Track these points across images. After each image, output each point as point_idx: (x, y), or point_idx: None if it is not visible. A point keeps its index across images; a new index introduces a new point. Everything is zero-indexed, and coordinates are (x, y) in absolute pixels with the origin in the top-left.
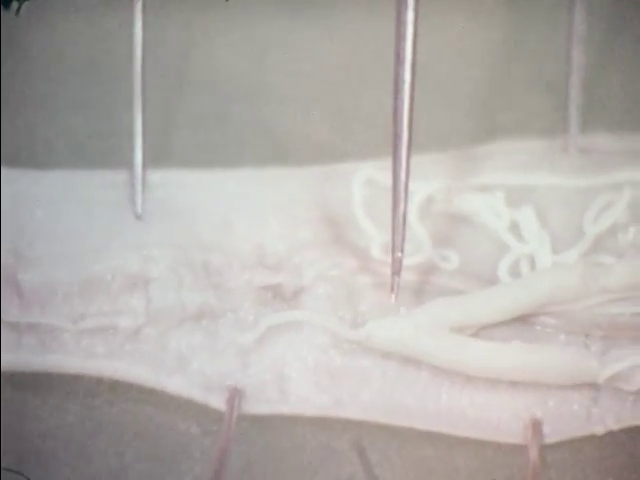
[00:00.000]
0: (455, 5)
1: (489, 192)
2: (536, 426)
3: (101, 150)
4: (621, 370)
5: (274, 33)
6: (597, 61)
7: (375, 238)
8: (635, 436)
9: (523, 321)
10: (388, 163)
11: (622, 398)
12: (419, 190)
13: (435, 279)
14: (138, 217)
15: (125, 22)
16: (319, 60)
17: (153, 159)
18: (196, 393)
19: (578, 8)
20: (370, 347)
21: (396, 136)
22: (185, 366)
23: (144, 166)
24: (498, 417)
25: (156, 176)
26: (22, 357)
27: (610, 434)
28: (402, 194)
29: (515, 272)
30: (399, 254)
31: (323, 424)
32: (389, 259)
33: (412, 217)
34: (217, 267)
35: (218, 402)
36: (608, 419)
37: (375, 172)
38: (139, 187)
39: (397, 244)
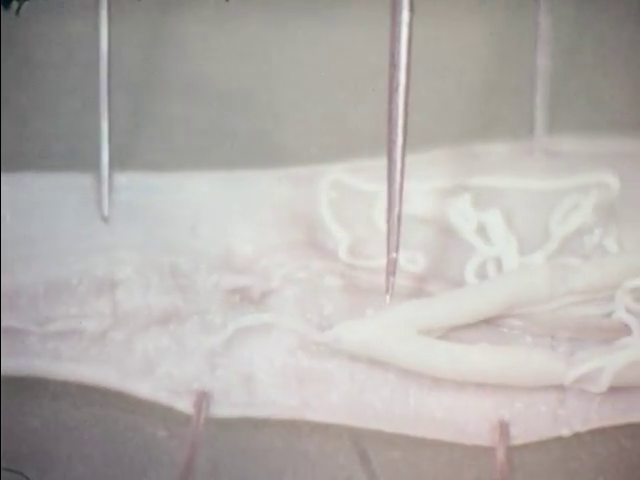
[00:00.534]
0: (421, 11)
1: (456, 194)
2: (503, 428)
3: (67, 152)
4: (587, 372)
5: (241, 37)
6: (562, 64)
7: (343, 240)
8: (601, 438)
9: (490, 323)
10: (355, 165)
11: (588, 400)
12: (384, 192)
13: (402, 281)
14: (104, 219)
15: (91, 25)
16: (286, 64)
17: (120, 162)
18: (163, 396)
19: (543, 12)
20: (338, 349)
21: (391, 139)
22: (152, 369)
23: (110, 168)
24: (465, 419)
25: (123, 178)
26: None
27: (577, 436)
28: (397, 196)
29: (482, 274)
30: (394, 255)
31: (291, 427)
32: (357, 261)
33: (379, 220)
34: (184, 270)
35: (185, 405)
36: (574, 421)
37: (342, 174)
38: (105, 189)
39: (392, 245)
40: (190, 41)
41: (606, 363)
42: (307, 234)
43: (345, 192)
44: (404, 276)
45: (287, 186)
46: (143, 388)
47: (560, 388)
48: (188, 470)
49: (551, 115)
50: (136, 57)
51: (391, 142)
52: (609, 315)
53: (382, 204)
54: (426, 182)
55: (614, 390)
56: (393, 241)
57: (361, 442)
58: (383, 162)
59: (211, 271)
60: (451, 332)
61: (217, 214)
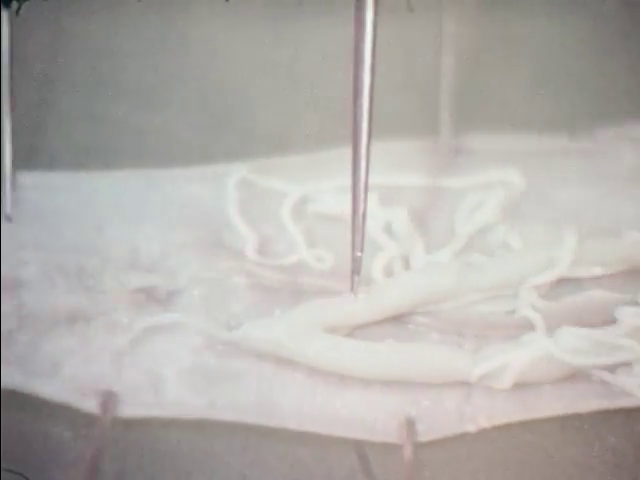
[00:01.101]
0: (329, 13)
1: None
2: (410, 425)
3: None
4: (492, 368)
5: (147, 35)
6: (467, 63)
7: (250, 239)
8: (506, 433)
9: (397, 320)
10: (263, 164)
11: (493, 396)
12: (292, 192)
13: (309, 279)
14: (8, 219)
15: None
16: (191, 62)
17: (24, 161)
18: (69, 397)
19: (447, 12)
20: (245, 348)
21: (355, 139)
22: (58, 370)
23: (13, 168)
24: (372, 416)
25: (27, 178)
26: None
27: (482, 432)
28: (362, 195)
29: (389, 272)
30: (359, 254)
31: (199, 427)
32: (264, 260)
33: (285, 218)
34: (90, 270)
35: (91, 406)
36: (480, 417)
37: (249, 173)
38: (8, 188)
39: (357, 244)
40: (95, 39)
41: (510, 360)
42: (214, 233)
43: (252, 191)
44: (311, 274)
45: (194, 185)
46: (49, 389)
47: (466, 385)
48: (94, 471)
49: (456, 114)
50: (39, 56)
51: (355, 142)
52: (513, 312)
53: (289, 203)
54: (333, 180)
55: (518, 386)
56: (358, 240)
57: (269, 441)
58: (290, 161)
59: (117, 271)
60: (358, 330)
61: (123, 214)
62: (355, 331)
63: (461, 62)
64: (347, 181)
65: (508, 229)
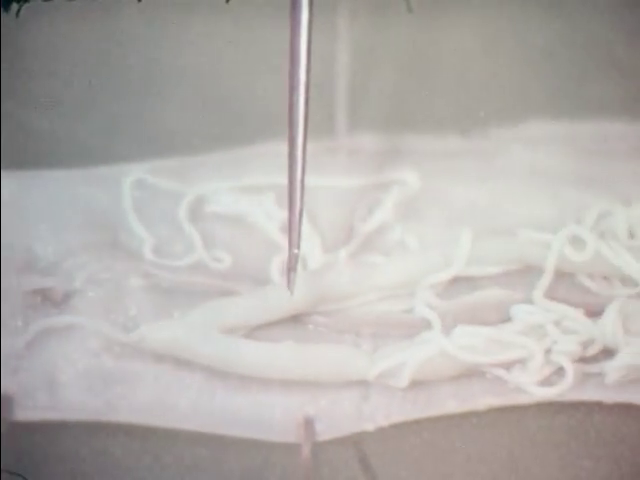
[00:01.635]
0: (235, 13)
1: (260, 193)
2: (308, 424)
3: None
4: (390, 367)
5: (40, 35)
6: (362, 63)
7: (146, 240)
8: (404, 432)
9: (296, 321)
10: (159, 164)
11: (391, 395)
12: (189, 192)
13: (207, 280)
14: None
15: None
16: (86, 63)
17: None
18: None
19: (341, 12)
20: (143, 350)
21: (291, 135)
22: None
23: None
24: (271, 416)
25: None
26: None
27: (380, 430)
28: (298, 192)
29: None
30: (296, 251)
31: (96, 429)
32: (161, 261)
33: (182, 219)
34: None
35: None
36: (378, 415)
37: (145, 174)
38: None
39: (294, 241)
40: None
41: (408, 358)
42: (111, 234)
43: (149, 191)
44: (209, 275)
45: (90, 186)
46: None
47: (364, 384)
48: None
49: (352, 114)
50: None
51: (292, 138)
52: (410, 311)
53: (186, 204)
54: (230, 181)
55: (415, 384)
56: (294, 237)
57: (168, 442)
58: (187, 162)
59: (11, 272)
60: (257, 330)
61: (18, 215)
62: (254, 332)
63: (356, 62)
64: (244, 181)
65: (404, 229)
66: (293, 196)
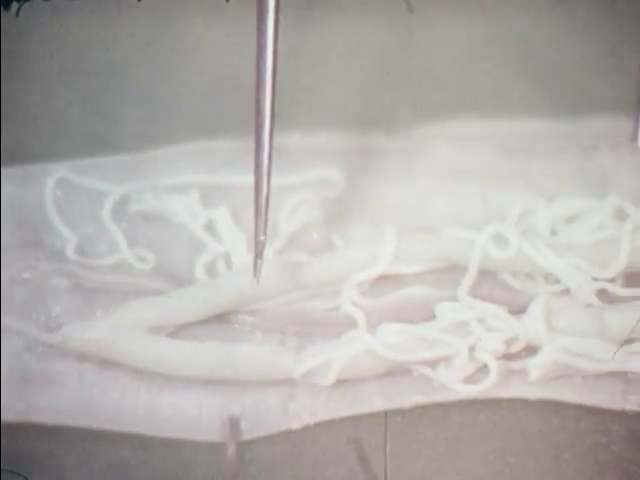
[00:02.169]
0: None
1: (184, 192)
2: (234, 423)
3: None
4: (316, 365)
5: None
6: (284, 62)
7: (70, 240)
8: (330, 430)
9: (222, 320)
10: (82, 163)
11: (317, 393)
12: (112, 191)
13: (131, 279)
14: None
15: None
16: (22, 61)
17: None
18: None
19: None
20: (66, 350)
21: (258, 124)
22: None
23: None
24: (196, 416)
25: None
26: None
27: (306, 428)
28: (265, 178)
29: (212, 271)
30: (262, 237)
31: (20, 430)
32: (84, 260)
33: (106, 218)
34: None
35: None
36: (304, 414)
37: (68, 173)
38: None
39: (260, 228)
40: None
41: (333, 356)
42: (33, 234)
43: (71, 190)
44: (134, 274)
45: (12, 185)
46: None
47: (290, 382)
48: None
49: (275, 112)
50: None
51: (259, 126)
52: (336, 309)
53: (110, 203)
54: (154, 180)
55: (341, 383)
56: (260, 224)
57: (92, 443)
58: (111, 161)
59: None
60: (182, 330)
61: None
62: (179, 331)
63: (281, 62)
64: (169, 181)
65: (330, 227)
66: (259, 183)
